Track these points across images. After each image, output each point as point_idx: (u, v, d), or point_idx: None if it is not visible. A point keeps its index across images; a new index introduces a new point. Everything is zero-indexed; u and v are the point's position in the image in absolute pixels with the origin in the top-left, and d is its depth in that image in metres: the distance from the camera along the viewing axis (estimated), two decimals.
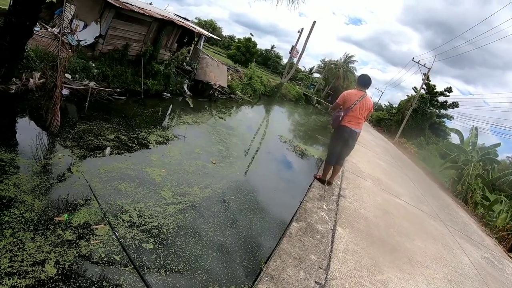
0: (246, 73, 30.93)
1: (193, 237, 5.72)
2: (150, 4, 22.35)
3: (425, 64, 45.97)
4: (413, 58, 46.74)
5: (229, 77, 26.48)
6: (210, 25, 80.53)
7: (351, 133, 6.93)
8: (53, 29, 13.60)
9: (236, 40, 58.79)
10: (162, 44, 18.00)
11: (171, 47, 19.42)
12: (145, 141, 9.62)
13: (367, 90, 7.02)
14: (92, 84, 12.97)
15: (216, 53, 48.59)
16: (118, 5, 14.02)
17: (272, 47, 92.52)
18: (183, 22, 19.55)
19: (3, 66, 9.28)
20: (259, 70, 44.27)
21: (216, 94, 21.69)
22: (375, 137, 35.25)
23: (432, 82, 52.58)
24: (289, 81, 48.30)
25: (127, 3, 15.47)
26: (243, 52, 45.13)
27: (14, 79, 9.84)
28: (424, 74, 46.54)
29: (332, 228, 5.23)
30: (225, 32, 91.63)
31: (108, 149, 8.42)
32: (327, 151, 7.55)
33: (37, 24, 13.47)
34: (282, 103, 36.16)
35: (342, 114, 6.85)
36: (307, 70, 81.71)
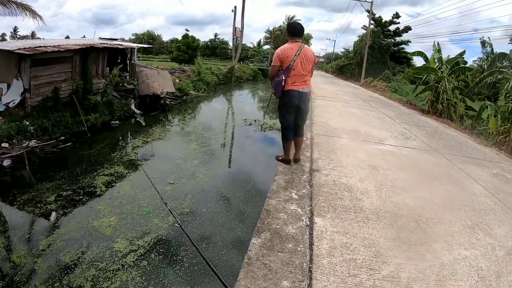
0: (193, 69, 29.77)
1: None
2: (83, 37, 21.22)
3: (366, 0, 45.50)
4: None
5: (177, 80, 25.26)
6: (148, 37, 79.20)
7: (301, 96, 5.83)
8: None
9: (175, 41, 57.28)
10: (92, 74, 16.75)
11: (104, 73, 18.09)
12: (92, 188, 8.52)
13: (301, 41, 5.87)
14: (33, 142, 11.99)
15: (162, 61, 47.41)
16: (30, 52, 12.73)
17: (216, 35, 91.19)
18: (106, 44, 18.23)
19: None
20: (207, 62, 43.27)
21: (167, 102, 20.39)
22: (341, 85, 34.49)
23: (378, 15, 52.66)
24: (241, 62, 47.31)
25: (40, 46, 14.23)
26: (185, 51, 43.69)
27: None
28: (368, 11, 46.29)
29: (308, 222, 3.97)
30: (166, 37, 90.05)
31: (53, 214, 7.22)
32: (280, 126, 6.34)
33: None
34: (240, 86, 35.12)
35: (283, 77, 5.69)
36: (256, 45, 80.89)
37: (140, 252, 5.66)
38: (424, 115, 17.75)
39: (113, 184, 8.76)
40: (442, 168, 7.16)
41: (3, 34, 70.41)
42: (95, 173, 9.42)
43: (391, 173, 6.23)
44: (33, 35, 62.78)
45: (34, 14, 12.87)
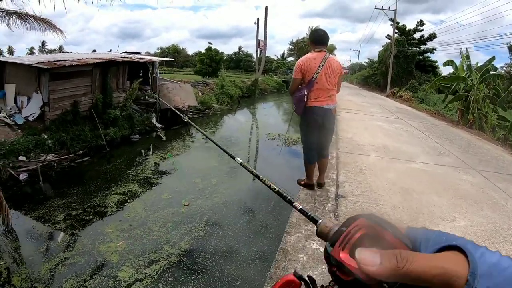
0: (216, 82, 29.42)
1: None
2: (110, 51, 21.16)
3: (389, 8, 44.91)
4: (375, 7, 45.53)
5: (200, 93, 24.97)
6: (173, 50, 79.64)
7: (325, 113, 5.16)
8: (1, 114, 13.10)
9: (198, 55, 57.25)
10: (112, 88, 16.53)
11: (124, 87, 17.85)
12: (103, 207, 8.12)
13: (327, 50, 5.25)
14: (50, 156, 11.86)
15: (186, 74, 47.37)
16: (48, 67, 12.78)
17: (240, 48, 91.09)
18: (126, 57, 18.02)
19: None
20: (231, 75, 42.92)
21: (189, 116, 20.01)
22: (367, 97, 33.68)
23: (402, 24, 51.98)
24: (265, 75, 46.93)
25: (59, 60, 14.32)
26: (208, 64, 43.48)
27: None
28: (392, 20, 45.66)
29: None
30: (191, 51, 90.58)
31: (61, 235, 6.92)
32: (302, 146, 5.71)
33: None
34: (264, 99, 34.56)
35: (305, 92, 5.08)
36: (279, 57, 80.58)
37: (146, 282, 5.21)
38: (455, 127, 16.88)
39: (125, 204, 8.36)
40: (480, 188, 6.48)
41: (32, 48, 71.78)
42: (108, 191, 9.06)
43: (426, 197, 5.59)
44: (60, 49, 63.83)
45: (54, 28, 12.62)
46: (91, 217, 7.68)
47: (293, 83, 5.31)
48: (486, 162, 8.95)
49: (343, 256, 0.60)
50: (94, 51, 32.93)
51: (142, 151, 13.98)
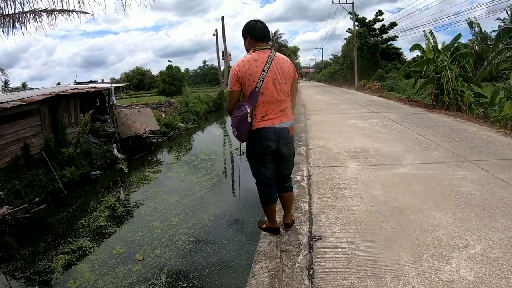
0: (180, 101, 28.32)
1: None
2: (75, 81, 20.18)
3: (346, 1, 44.84)
4: (332, 2, 45.23)
5: (163, 115, 23.80)
6: (138, 73, 78.64)
7: (280, 135, 3.72)
8: None
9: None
10: (65, 124, 15.36)
11: (78, 120, 16.63)
12: (48, 273, 7.00)
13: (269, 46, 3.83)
14: (4, 209, 10.76)
15: (153, 95, 46.48)
16: None
17: (204, 62, 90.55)
18: (76, 89, 16.80)
19: None
20: (197, 91, 42.02)
21: (153, 141, 18.84)
22: (336, 93, 32.91)
23: (362, 16, 52.49)
24: None
25: (1, 102, 13.14)
26: (170, 82, 42.54)
27: None
28: (350, 13, 45.73)
29: None
30: (156, 71, 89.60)
31: None
32: (256, 182, 4.10)
33: None
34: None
35: (247, 109, 3.56)
36: None
37: None
38: (431, 111, 15.98)
39: (72, 266, 7.16)
40: (483, 186, 5.34)
41: None
42: (56, 251, 7.94)
43: (426, 217, 4.33)
44: (24, 86, 61.90)
45: None
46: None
47: (229, 98, 3.83)
48: (478, 149, 7.89)
49: None
50: (58, 83, 31.62)
51: (100, 190, 12.74)
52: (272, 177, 3.99)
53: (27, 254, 8.26)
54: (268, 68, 3.60)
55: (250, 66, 3.59)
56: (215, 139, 21.22)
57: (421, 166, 6.69)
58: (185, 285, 5.85)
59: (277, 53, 3.78)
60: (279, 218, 4.35)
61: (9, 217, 10.67)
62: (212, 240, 7.40)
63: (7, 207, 11.11)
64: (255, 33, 3.78)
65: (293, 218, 4.44)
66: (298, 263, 3.43)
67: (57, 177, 13.04)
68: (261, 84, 3.59)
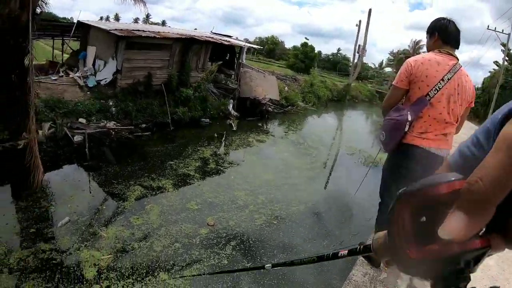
0: (306, 80, 27.79)
1: None
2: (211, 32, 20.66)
3: (503, 31, 39.66)
4: (487, 27, 40.61)
5: (286, 88, 23.49)
6: (271, 42, 79.27)
7: (430, 161, 2.94)
8: (75, 74, 13.60)
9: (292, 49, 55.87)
10: (191, 66, 15.67)
11: (204, 67, 16.83)
12: (120, 200, 7.11)
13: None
14: (111, 124, 11.68)
15: (280, 67, 46.36)
16: (124, 35, 12.66)
17: (338, 50, 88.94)
18: (210, 37, 16.96)
19: (12, 123, 9.11)
20: (324, 76, 41.13)
21: (269, 109, 18.69)
22: (465, 127, 30.45)
23: None
24: (359, 81, 44.78)
25: (138, 30, 14.24)
26: (302, 59, 42.09)
27: (24, 133, 8.88)
28: (503, 45, 40.57)
29: None
30: (289, 45, 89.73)
31: (66, 219, 6.07)
32: (379, 200, 3.46)
33: (59, 72, 14.11)
34: (354, 106, 32.09)
35: (408, 117, 2.89)
36: (377, 66, 77.65)
37: None
38: None
39: (143, 202, 7.16)
40: None
41: (137, 19, 74.07)
42: (137, 180, 8.15)
43: None
44: (163, 24, 65.38)
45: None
46: (101, 208, 6.79)
47: (390, 94, 3.16)
48: None
49: (418, 252, 0.46)
50: (195, 29, 32.71)
51: (204, 138, 12.83)
52: None
53: (111, 172, 8.63)
54: (448, 79, 2.86)
55: (429, 67, 2.86)
56: (328, 130, 19.99)
57: None
58: (247, 265, 5.49)
59: (462, 67, 2.96)
60: None
61: (113, 132, 11.44)
62: (291, 233, 6.78)
63: (114, 123, 11.90)
64: (446, 34, 3.01)
65: None
66: None
67: (169, 113, 13.45)
68: (435, 94, 2.86)
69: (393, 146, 3.09)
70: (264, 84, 18.95)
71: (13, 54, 9.03)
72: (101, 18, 35.77)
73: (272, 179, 9.35)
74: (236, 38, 22.20)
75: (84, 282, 4.59)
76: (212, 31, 21.12)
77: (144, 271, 4.92)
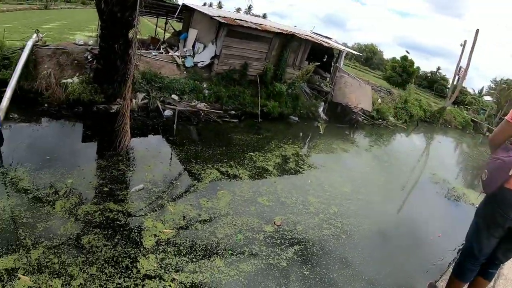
0: (401, 95, 26.82)
1: None
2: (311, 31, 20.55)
3: None
4: None
5: (379, 100, 22.74)
6: (369, 49, 78.05)
7: None
8: (175, 53, 14.57)
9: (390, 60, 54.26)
10: (288, 62, 15.66)
11: (301, 65, 16.65)
12: (195, 179, 7.33)
13: None
14: (201, 105, 12.25)
15: (375, 77, 45.31)
16: (226, 22, 12.98)
17: (438, 68, 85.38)
18: (310, 36, 16.72)
19: (109, 88, 10.40)
20: (419, 93, 39.66)
21: (359, 119, 18.07)
22: None
23: None
24: (455, 105, 42.77)
25: (240, 19, 14.68)
26: (399, 73, 40.71)
27: (118, 99, 10.28)
28: None
29: None
30: (387, 56, 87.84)
31: (140, 186, 6.40)
32: (462, 245, 3.39)
33: (160, 48, 15.45)
34: (445, 132, 30.22)
35: None
36: (477, 92, 73.98)
37: None
38: None
39: (216, 187, 7.25)
40: None
41: (239, 9, 75.83)
42: (214, 164, 8.32)
43: None
44: (264, 17, 66.32)
45: None
46: (173, 181, 7.09)
47: (501, 129, 2.86)
48: None
49: None
50: (295, 26, 32.71)
51: (290, 135, 12.71)
52: (486, 254, 3.05)
53: (192, 151, 8.90)
54: None
55: None
56: (414, 151, 18.38)
57: None
58: (306, 273, 5.20)
59: None
60: None
61: (203, 113, 11.93)
62: (358, 251, 6.28)
63: (205, 104, 12.37)
64: None
65: None
66: None
67: (259, 104, 13.51)
68: None
69: (494, 189, 2.77)
70: (358, 93, 18.36)
71: (119, 26, 9.85)
72: (205, 4, 36.86)
73: (348, 191, 8.91)
74: (335, 41, 21.79)
75: (141, 249, 4.72)
76: (312, 31, 20.86)
77: (202, 253, 4.92)
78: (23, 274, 3.93)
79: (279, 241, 5.78)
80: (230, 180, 7.64)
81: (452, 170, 15.64)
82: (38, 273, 4.01)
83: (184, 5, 15.92)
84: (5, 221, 4.72)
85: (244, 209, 6.51)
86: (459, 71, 34.99)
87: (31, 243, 4.41)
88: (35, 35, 11.00)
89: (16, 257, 4.14)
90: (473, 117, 40.60)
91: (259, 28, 13.86)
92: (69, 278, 4.01)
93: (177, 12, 16.50)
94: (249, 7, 73.26)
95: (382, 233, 7.24)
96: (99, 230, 4.91)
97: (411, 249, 6.96)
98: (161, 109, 11.10)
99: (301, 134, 13.63)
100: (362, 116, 18.49)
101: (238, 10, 72.54)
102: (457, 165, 18.02)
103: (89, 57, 11.24)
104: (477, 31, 31.78)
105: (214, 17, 13.15)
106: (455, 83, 36.92)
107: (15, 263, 4.06)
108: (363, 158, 13.01)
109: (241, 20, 14.31)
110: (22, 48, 10.22)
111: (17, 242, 4.39)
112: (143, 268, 4.39)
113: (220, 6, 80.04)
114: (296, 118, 14.95)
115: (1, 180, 5.69)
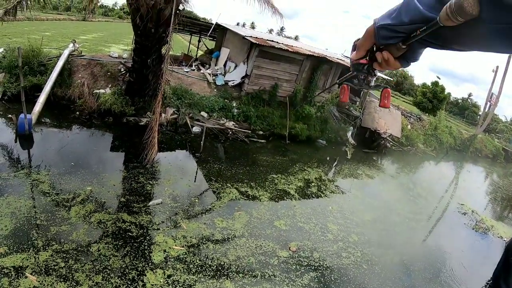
0: (431, 121, 26.40)
1: None
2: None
3: None
4: None
5: (408, 126, 22.45)
6: (400, 74, 77.23)
7: None
8: (206, 70, 14.61)
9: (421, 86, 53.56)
10: (318, 85, 15.55)
11: (331, 88, 16.61)
12: (214, 197, 7.38)
13: None
14: (230, 124, 12.32)
15: (405, 102, 44.90)
16: (258, 42, 13.00)
17: (469, 95, 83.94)
18: (341, 60, 16.65)
19: (139, 101, 10.61)
20: (450, 120, 39.07)
21: (387, 144, 17.84)
22: None
23: None
24: (486, 133, 41.90)
25: (272, 40, 14.78)
26: (430, 98, 40.03)
27: (148, 112, 10.55)
28: None
29: None
30: (418, 81, 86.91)
31: (158, 201, 6.48)
32: (491, 283, 2.40)
33: (192, 65, 15.60)
34: (475, 160, 29.52)
35: None
36: (509, 120, 72.18)
37: None
38: None
39: (234, 207, 7.21)
40: None
41: (271, 30, 76.45)
42: (234, 184, 8.28)
43: None
44: (295, 38, 66.50)
45: (274, 9, 11.99)
46: (191, 198, 7.12)
47: None
48: None
49: None
50: (326, 49, 32.72)
51: (314, 159, 12.56)
52: None
53: (215, 168, 8.92)
54: None
55: None
56: (442, 180, 18.00)
57: None
58: None
59: None
60: None
61: (231, 132, 11.96)
62: (379, 282, 6.14)
63: (234, 123, 12.39)
64: None
65: None
66: None
67: (287, 126, 13.42)
68: None
69: None
70: (388, 118, 18.18)
71: (153, 41, 10.02)
72: (238, 24, 37.19)
73: (370, 220, 8.70)
74: None
75: (149, 263, 4.72)
76: (343, 54, 20.83)
77: (211, 274, 4.88)
78: (31, 274, 4.04)
79: (294, 267, 5.69)
80: (248, 201, 7.62)
81: (481, 200, 15.26)
82: (45, 275, 4.11)
83: (217, 24, 16.19)
84: (20, 220, 4.89)
85: (260, 232, 6.45)
86: (490, 98, 34.32)
87: (42, 245, 4.55)
88: (71, 44, 11.43)
89: (25, 256, 4.28)
90: (504, 146, 39.64)
91: (290, 49, 13.87)
92: (75, 284, 4.09)
93: (210, 31, 16.72)
94: (282, 29, 73.75)
95: (406, 265, 7.07)
96: (110, 239, 5.00)
97: (435, 283, 6.80)
98: (189, 125, 11.20)
99: (327, 158, 13.43)
100: (391, 142, 18.25)
101: (270, 31, 73.14)
102: (486, 195, 17.51)
103: (122, 69, 11.54)
104: (510, 56, 31.17)
105: (246, 37, 13.24)
106: (486, 110, 36.18)
107: (23, 262, 4.19)
108: (389, 186, 12.79)
109: (272, 41, 14.39)
110: (58, 57, 10.61)
111: (29, 242, 4.53)
112: (149, 282, 4.40)
113: (252, 26, 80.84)
114: (324, 142, 14.82)
115: (23, 181, 5.90)
